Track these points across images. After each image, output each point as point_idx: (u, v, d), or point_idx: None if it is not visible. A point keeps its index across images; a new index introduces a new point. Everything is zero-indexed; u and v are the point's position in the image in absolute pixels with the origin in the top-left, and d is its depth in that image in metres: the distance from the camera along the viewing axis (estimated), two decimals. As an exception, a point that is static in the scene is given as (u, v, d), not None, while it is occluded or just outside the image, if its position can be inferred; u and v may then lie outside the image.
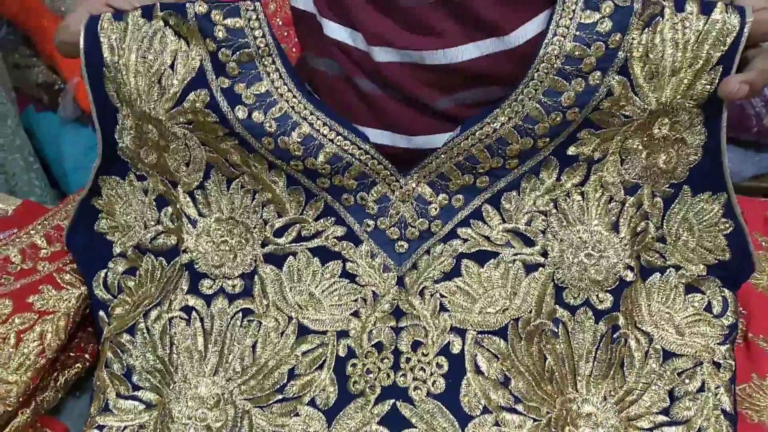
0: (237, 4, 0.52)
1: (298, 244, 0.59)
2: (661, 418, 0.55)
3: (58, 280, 0.63)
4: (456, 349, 0.57)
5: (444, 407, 0.55)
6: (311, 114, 0.54)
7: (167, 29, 0.53)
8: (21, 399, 0.56)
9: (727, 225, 0.56)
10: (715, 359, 0.56)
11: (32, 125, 1.14)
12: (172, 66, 0.53)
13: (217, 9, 0.52)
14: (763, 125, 0.88)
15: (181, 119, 0.54)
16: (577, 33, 0.49)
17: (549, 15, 0.52)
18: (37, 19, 1.10)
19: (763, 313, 0.63)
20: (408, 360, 0.57)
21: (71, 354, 0.62)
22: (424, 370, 0.57)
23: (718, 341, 0.57)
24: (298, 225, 0.59)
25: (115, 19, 0.53)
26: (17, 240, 0.67)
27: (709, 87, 0.51)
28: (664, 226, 0.57)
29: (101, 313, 0.61)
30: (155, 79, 0.53)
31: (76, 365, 0.62)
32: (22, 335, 0.58)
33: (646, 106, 0.52)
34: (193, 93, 0.53)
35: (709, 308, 0.58)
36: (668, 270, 0.58)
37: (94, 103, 0.55)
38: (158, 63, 0.53)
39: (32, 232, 0.68)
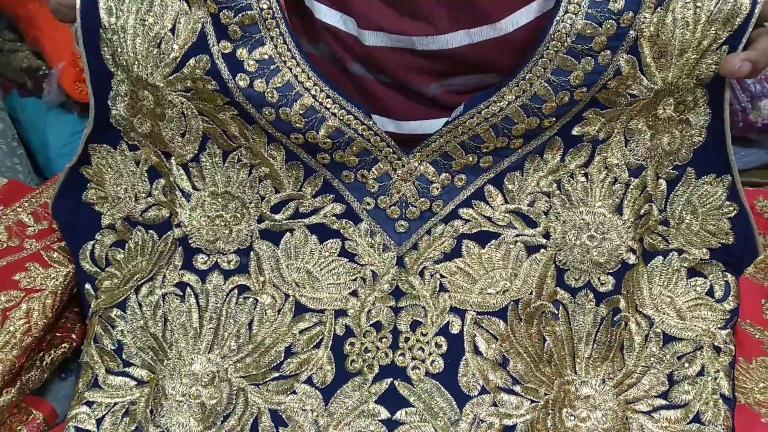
0: None
1: (295, 221, 0.58)
2: (660, 401, 0.56)
3: (46, 258, 0.62)
4: (455, 330, 0.57)
5: (442, 387, 0.55)
6: (315, 85, 0.53)
7: None
8: (6, 378, 0.55)
9: (732, 208, 0.57)
10: (716, 344, 0.57)
11: (16, 110, 1.12)
12: (172, 30, 0.52)
13: None
14: (748, 120, 0.89)
15: (180, 86, 0.53)
16: (589, 11, 0.49)
17: (541, 3, 0.52)
18: (22, 4, 1.08)
19: (748, 297, 0.65)
20: (407, 339, 0.57)
21: (57, 334, 0.61)
22: (423, 350, 0.57)
23: (719, 326, 0.57)
24: (295, 201, 0.58)
25: None
26: (3, 217, 0.66)
27: (714, 67, 0.51)
28: (668, 209, 0.57)
29: (87, 286, 0.60)
30: (155, 43, 0.52)
31: (63, 345, 0.62)
32: (8, 313, 0.57)
33: (652, 86, 0.52)
34: (193, 59, 0.52)
35: (711, 293, 0.58)
36: (671, 253, 0.58)
37: (89, 68, 0.54)
38: (158, 26, 0.52)
39: (19, 209, 0.67)
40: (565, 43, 0.50)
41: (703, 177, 0.57)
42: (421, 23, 0.53)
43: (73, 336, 0.62)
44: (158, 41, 0.52)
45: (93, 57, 0.54)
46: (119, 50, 0.52)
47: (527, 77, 0.52)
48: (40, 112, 1.12)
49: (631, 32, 0.50)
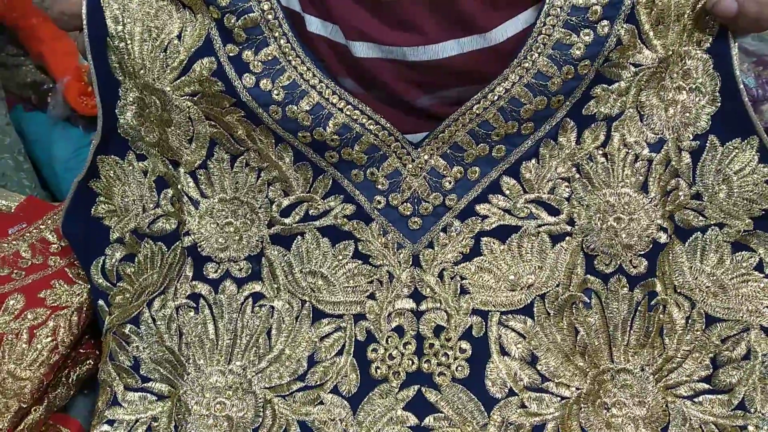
0: None
1: (305, 224, 0.66)
2: (703, 385, 0.62)
3: (70, 275, 0.73)
4: (479, 332, 0.64)
5: (470, 392, 0.63)
6: (320, 82, 0.62)
7: (171, 1, 0.61)
8: (34, 395, 0.66)
9: (767, 170, 0.62)
10: (764, 324, 0.62)
11: (21, 125, 1.25)
12: (179, 36, 0.61)
13: None
14: None
15: (187, 90, 0.62)
16: None
17: (532, 14, 0.59)
18: (25, 18, 1.21)
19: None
20: (431, 345, 0.65)
21: (81, 350, 0.72)
22: (448, 356, 0.64)
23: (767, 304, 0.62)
24: (305, 204, 0.66)
25: None
26: (27, 235, 0.77)
27: (712, 30, 0.58)
28: (698, 181, 0.63)
29: (100, 302, 0.69)
30: (161, 48, 0.61)
31: (87, 361, 0.72)
32: (34, 331, 0.68)
33: (654, 55, 0.59)
34: (199, 61, 0.61)
35: (760, 267, 0.63)
36: (710, 228, 0.63)
37: (97, 77, 0.63)
38: (165, 33, 0.61)
39: (42, 226, 0.78)
40: (561, 17, 0.58)
41: (728, 143, 0.62)
42: (410, 33, 0.61)
43: (97, 352, 0.72)
44: (164, 46, 0.61)
45: (100, 66, 0.63)
46: (126, 57, 0.62)
47: (528, 55, 0.59)
48: (45, 126, 1.25)
49: (626, 0, 0.57)
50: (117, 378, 0.66)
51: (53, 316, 0.69)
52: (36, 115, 1.27)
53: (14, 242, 0.75)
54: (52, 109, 1.24)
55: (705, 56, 0.60)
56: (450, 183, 0.65)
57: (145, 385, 0.66)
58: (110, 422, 0.65)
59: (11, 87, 1.28)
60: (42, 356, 0.67)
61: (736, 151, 0.62)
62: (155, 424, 0.65)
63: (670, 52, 0.59)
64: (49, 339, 0.68)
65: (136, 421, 0.65)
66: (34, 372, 0.66)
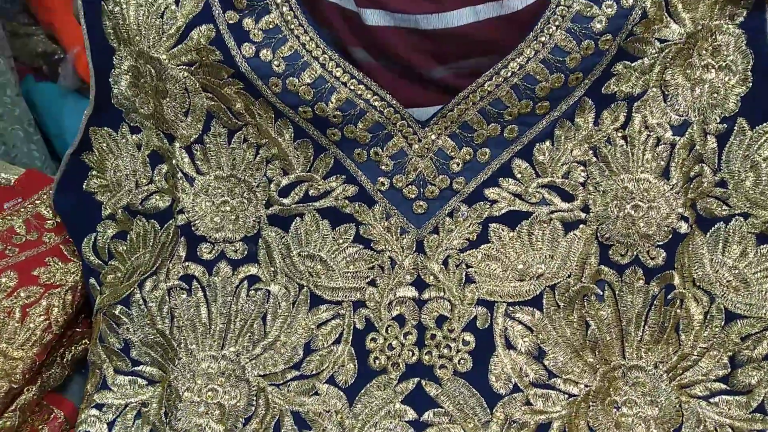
0: None
1: (305, 205, 0.63)
2: (719, 385, 0.59)
3: (65, 252, 0.71)
4: (484, 324, 0.61)
5: (472, 386, 0.60)
6: (323, 54, 0.58)
7: None
8: (27, 375, 0.64)
9: None
10: None
11: (32, 95, 1.24)
12: (176, 2, 0.58)
13: None
14: None
15: (183, 59, 0.59)
16: None
17: None
18: (37, -12, 1.20)
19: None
20: (433, 336, 0.62)
21: (77, 330, 0.70)
22: (450, 348, 0.61)
23: None
24: (305, 183, 0.63)
25: None
26: (22, 210, 0.75)
27: (747, 2, 0.54)
28: (724, 168, 0.59)
29: (92, 280, 0.67)
30: (157, 14, 0.58)
31: (83, 341, 0.71)
32: (27, 309, 0.66)
33: (681, 29, 0.55)
34: (197, 29, 0.58)
35: None
36: (734, 218, 0.59)
37: (90, 44, 0.61)
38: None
39: (37, 201, 0.76)
40: None
41: (759, 127, 0.58)
42: (424, 1, 0.58)
43: (93, 332, 0.71)
44: (161, 12, 0.58)
45: (94, 32, 0.61)
46: (121, 22, 0.59)
47: (545, 28, 0.55)
48: (56, 97, 1.24)
49: None
50: (107, 360, 0.64)
51: (47, 294, 0.67)
52: (47, 85, 1.26)
53: (9, 217, 0.74)
54: (62, 79, 1.23)
55: (738, 31, 0.56)
56: (458, 165, 0.61)
57: (136, 368, 0.64)
58: (99, 406, 0.63)
59: (23, 56, 1.27)
60: (35, 336, 0.65)
61: (767, 135, 0.58)
62: (145, 409, 0.63)
63: (700, 27, 0.55)
64: (43, 318, 0.66)
65: (126, 405, 0.63)
66: (27, 352, 0.64)
